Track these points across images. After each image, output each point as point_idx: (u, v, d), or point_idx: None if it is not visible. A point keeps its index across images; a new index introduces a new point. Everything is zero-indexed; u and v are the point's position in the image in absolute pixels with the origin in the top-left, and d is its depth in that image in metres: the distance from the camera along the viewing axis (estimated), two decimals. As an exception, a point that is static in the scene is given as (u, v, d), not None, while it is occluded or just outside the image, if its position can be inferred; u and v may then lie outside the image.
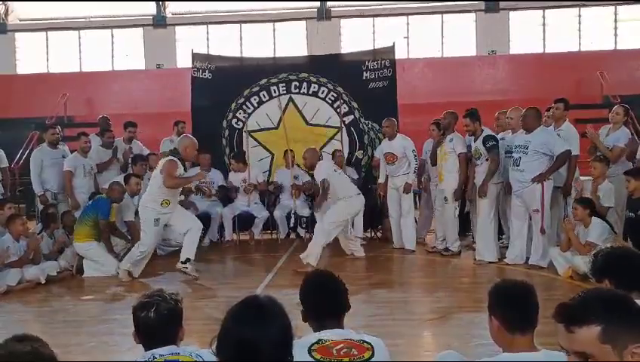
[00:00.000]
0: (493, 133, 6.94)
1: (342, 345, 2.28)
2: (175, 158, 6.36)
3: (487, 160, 6.84)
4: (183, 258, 6.37)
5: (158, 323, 2.30)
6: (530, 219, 6.51)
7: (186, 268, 6.34)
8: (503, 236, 7.52)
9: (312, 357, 2.23)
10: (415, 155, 7.67)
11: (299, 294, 2.48)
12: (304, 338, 2.31)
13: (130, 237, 7.31)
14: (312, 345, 2.27)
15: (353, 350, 2.27)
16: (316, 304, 2.44)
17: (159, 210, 6.32)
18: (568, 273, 5.90)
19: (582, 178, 6.93)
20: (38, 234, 6.75)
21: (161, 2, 18.34)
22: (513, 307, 2.24)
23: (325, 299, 2.45)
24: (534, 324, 2.24)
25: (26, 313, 5.60)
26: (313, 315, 2.44)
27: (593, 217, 5.83)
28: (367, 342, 2.33)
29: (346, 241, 7.37)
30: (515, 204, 6.62)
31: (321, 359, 2.23)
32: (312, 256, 6.65)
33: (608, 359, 1.47)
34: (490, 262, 6.77)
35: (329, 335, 2.34)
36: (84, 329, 4.77)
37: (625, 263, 2.46)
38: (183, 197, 8.00)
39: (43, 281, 6.22)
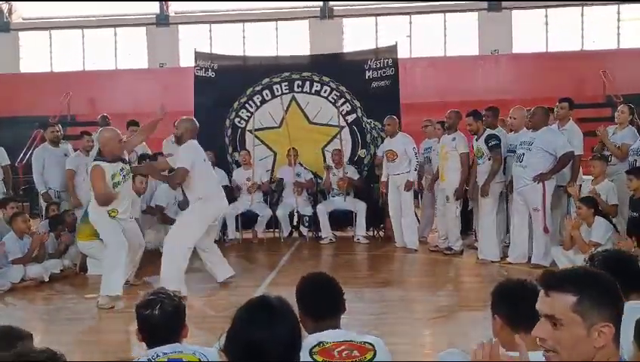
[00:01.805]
0: (495, 133, 6.94)
1: (343, 347, 2.27)
2: (99, 163, 5.20)
3: (489, 159, 6.84)
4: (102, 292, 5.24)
5: (161, 321, 2.31)
6: (531, 218, 6.51)
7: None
8: (507, 235, 7.51)
9: (313, 359, 2.22)
10: (416, 153, 7.68)
11: (295, 294, 2.48)
12: (304, 340, 2.31)
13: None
14: (314, 347, 2.26)
15: (355, 351, 2.26)
16: (314, 304, 2.44)
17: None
18: (571, 272, 5.88)
19: (584, 177, 6.93)
20: (46, 232, 6.74)
21: (164, 1, 18.35)
22: (515, 306, 2.24)
23: (324, 300, 2.45)
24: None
25: (28, 311, 5.61)
26: (310, 316, 2.43)
27: (597, 216, 5.82)
28: (369, 343, 2.32)
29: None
30: (516, 201, 6.63)
31: (323, 361, 2.22)
32: None
33: (576, 329, 1.55)
34: (492, 261, 6.77)
35: (330, 337, 2.32)
36: (87, 327, 4.78)
37: (619, 266, 2.43)
38: (182, 196, 8.02)
39: (46, 279, 6.25)
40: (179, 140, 5.86)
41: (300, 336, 1.79)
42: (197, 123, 6.05)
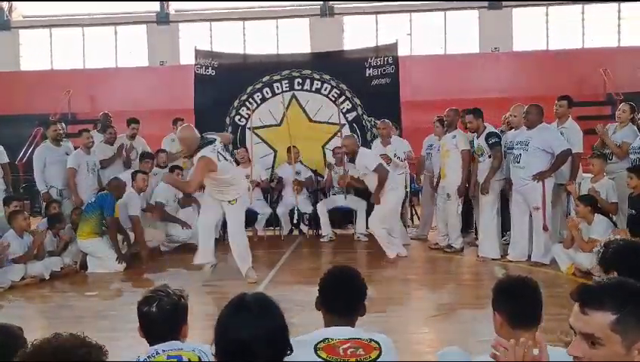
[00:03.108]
0: (495, 130, 6.94)
1: (349, 344, 2.24)
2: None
3: (489, 157, 6.84)
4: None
5: (159, 318, 2.31)
6: (531, 216, 6.51)
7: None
8: (507, 233, 7.51)
9: (317, 355, 2.19)
10: (402, 159, 7.78)
11: (318, 282, 2.45)
12: (309, 335, 2.29)
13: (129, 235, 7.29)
14: (318, 343, 2.23)
15: (360, 349, 2.23)
16: (331, 297, 2.40)
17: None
18: (571, 270, 5.90)
19: (584, 175, 6.93)
20: (44, 230, 6.75)
21: (164, 0, 18.35)
22: (516, 303, 2.24)
23: (341, 296, 2.40)
24: (538, 321, 2.24)
25: (29, 309, 5.63)
26: (325, 307, 2.41)
27: (596, 214, 5.82)
28: (375, 341, 2.28)
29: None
30: (516, 200, 6.64)
31: (328, 358, 2.19)
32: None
33: (614, 348, 1.48)
34: (493, 259, 6.78)
35: (336, 333, 2.29)
36: (88, 324, 4.78)
37: (634, 257, 2.42)
38: (181, 194, 8.04)
39: (47, 277, 6.26)
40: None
41: (285, 332, 1.79)
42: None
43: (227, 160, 5.82)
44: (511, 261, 6.65)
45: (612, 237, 2.96)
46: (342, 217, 8.82)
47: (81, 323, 4.80)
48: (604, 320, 1.49)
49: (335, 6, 18.14)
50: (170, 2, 18.51)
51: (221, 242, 8.55)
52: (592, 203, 5.87)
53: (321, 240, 8.35)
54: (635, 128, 6.84)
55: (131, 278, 6.50)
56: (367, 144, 9.03)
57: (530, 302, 2.26)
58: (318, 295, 2.43)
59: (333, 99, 9.17)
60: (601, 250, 2.54)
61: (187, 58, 15.34)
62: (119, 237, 7.02)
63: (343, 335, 2.28)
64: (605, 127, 6.90)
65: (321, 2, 17.99)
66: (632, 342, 1.47)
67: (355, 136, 7.23)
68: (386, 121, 8.00)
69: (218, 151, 5.65)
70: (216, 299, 5.42)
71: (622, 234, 4.97)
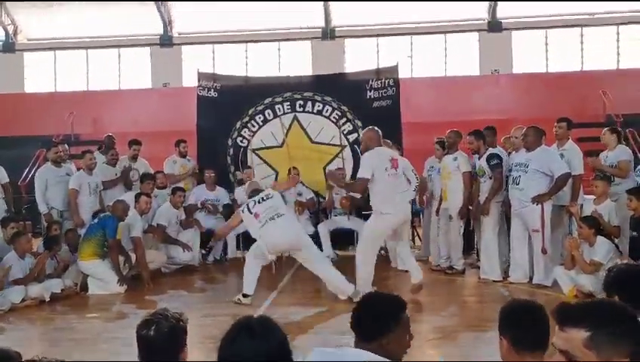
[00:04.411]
0: (497, 152, 6.95)
1: None
2: None
3: (490, 178, 6.85)
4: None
5: (157, 342, 2.30)
6: (531, 239, 6.50)
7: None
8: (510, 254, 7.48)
9: None
10: (415, 173, 7.72)
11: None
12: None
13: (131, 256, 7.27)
14: None
15: None
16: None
17: None
18: (573, 292, 5.87)
19: (585, 197, 6.93)
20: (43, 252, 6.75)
21: (168, 22, 18.55)
22: (522, 328, 2.21)
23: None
24: (544, 346, 2.19)
25: (29, 331, 5.59)
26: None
27: (599, 236, 5.82)
28: None
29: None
30: (515, 222, 6.63)
31: None
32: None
33: None
34: (494, 281, 6.75)
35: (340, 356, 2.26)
36: (88, 347, 4.77)
37: (635, 281, 2.43)
38: (183, 216, 8.06)
39: (47, 299, 6.23)
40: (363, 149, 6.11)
41: (288, 354, 1.80)
42: (380, 132, 6.14)
43: None
44: (512, 283, 6.62)
45: (618, 263, 2.99)
46: (343, 238, 8.81)
47: (81, 347, 4.79)
48: (578, 337, 1.54)
49: (336, 29, 18.32)
50: (174, 23, 18.69)
51: (222, 263, 8.59)
52: (595, 225, 5.87)
53: (323, 261, 8.32)
54: (625, 146, 6.90)
55: (132, 300, 6.47)
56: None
57: (535, 327, 2.23)
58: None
59: (335, 120, 9.23)
60: (605, 275, 2.56)
61: (190, 80, 15.47)
62: (120, 258, 7.00)
63: (348, 356, 2.26)
64: (597, 158, 6.95)
65: (323, 25, 18.17)
66: (607, 359, 1.50)
67: (376, 130, 6.21)
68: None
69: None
70: (216, 321, 5.39)
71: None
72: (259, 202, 6.01)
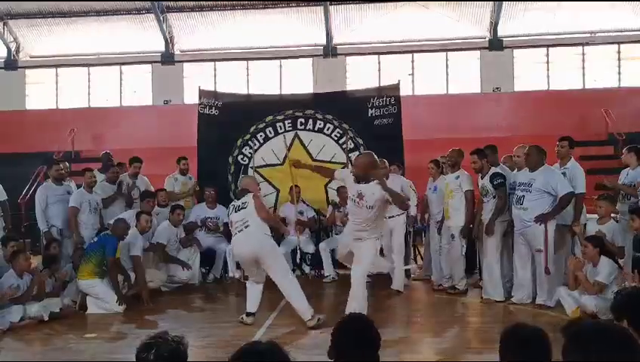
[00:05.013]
0: (500, 171, 6.91)
1: None
2: None
3: (494, 197, 6.81)
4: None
5: (157, 366, 2.27)
6: (534, 258, 6.44)
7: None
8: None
9: None
10: (413, 189, 7.75)
11: (332, 332, 2.45)
12: None
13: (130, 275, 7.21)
14: None
15: None
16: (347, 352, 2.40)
17: None
18: (577, 312, 5.80)
19: (588, 216, 6.88)
20: (42, 271, 6.70)
21: (169, 40, 18.65)
22: (523, 353, 2.19)
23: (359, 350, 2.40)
24: None
25: (28, 351, 5.51)
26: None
27: (602, 256, 5.77)
28: None
29: None
30: (518, 242, 6.58)
31: None
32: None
33: None
34: (497, 301, 6.68)
35: None
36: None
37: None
38: (183, 234, 8.02)
39: (46, 318, 6.17)
40: None
41: None
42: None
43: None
44: (515, 303, 6.55)
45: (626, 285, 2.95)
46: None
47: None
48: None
49: (338, 46, 18.40)
50: (175, 41, 18.79)
51: (221, 282, 8.51)
52: (600, 244, 5.82)
53: (324, 280, 8.28)
54: None
55: (131, 320, 6.40)
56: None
57: (536, 353, 2.20)
58: (331, 345, 2.41)
59: (336, 138, 9.22)
60: (613, 298, 2.53)
61: (191, 97, 15.51)
62: (120, 277, 6.95)
63: None
64: (613, 180, 6.91)
65: (325, 43, 18.26)
66: None
67: (372, 155, 6.10)
68: (385, 161, 7.95)
69: None
70: (217, 342, 5.32)
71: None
72: (237, 210, 6.02)
